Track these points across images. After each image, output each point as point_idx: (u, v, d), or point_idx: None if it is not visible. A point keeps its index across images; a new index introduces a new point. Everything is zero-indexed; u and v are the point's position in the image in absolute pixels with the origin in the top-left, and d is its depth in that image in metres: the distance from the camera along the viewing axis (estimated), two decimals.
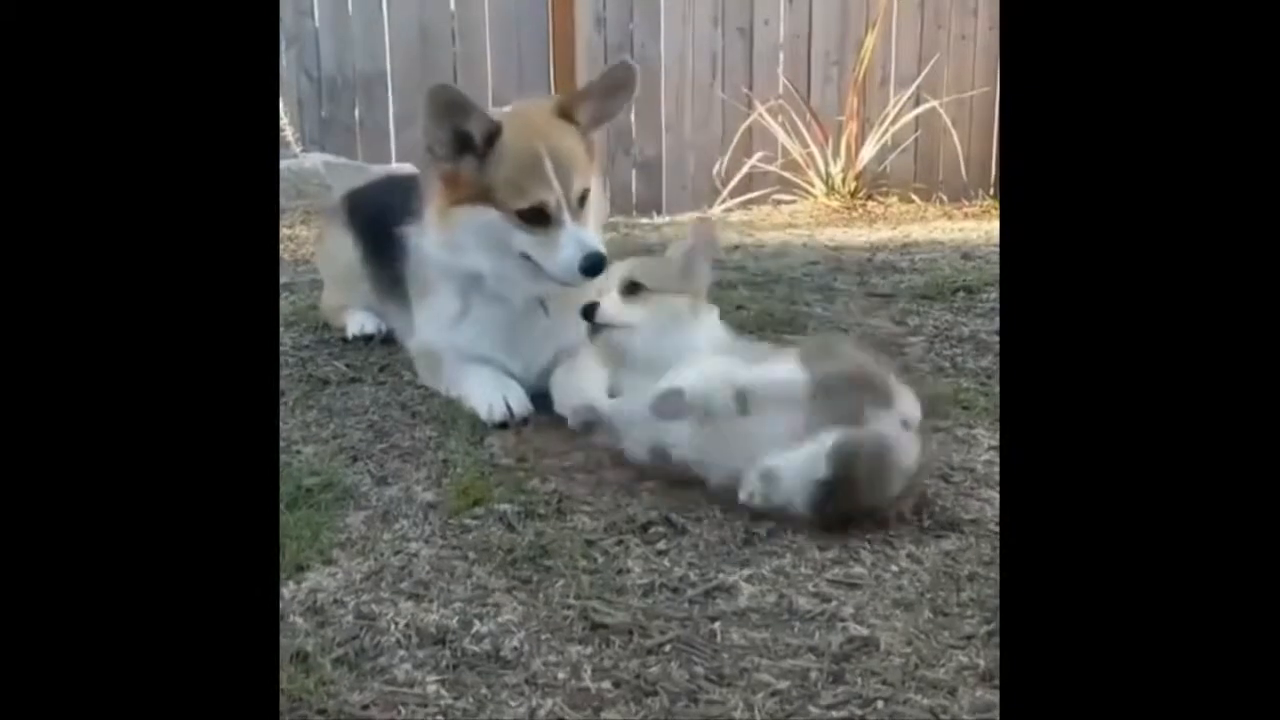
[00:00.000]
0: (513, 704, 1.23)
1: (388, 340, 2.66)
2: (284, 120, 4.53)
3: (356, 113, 4.98)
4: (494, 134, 2.06)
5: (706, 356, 1.79)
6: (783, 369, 1.69)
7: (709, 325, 1.92)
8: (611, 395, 1.88)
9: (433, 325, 2.29)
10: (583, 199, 2.10)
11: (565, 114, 2.14)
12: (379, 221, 2.56)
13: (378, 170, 4.40)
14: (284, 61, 4.66)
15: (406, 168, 4.46)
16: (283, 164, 4.10)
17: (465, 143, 2.06)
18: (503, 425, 2.10)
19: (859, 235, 4.52)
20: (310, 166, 4.38)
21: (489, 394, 2.13)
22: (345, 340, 2.69)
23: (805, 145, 5.39)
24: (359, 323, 2.68)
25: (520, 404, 2.12)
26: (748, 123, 5.44)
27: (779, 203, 5.40)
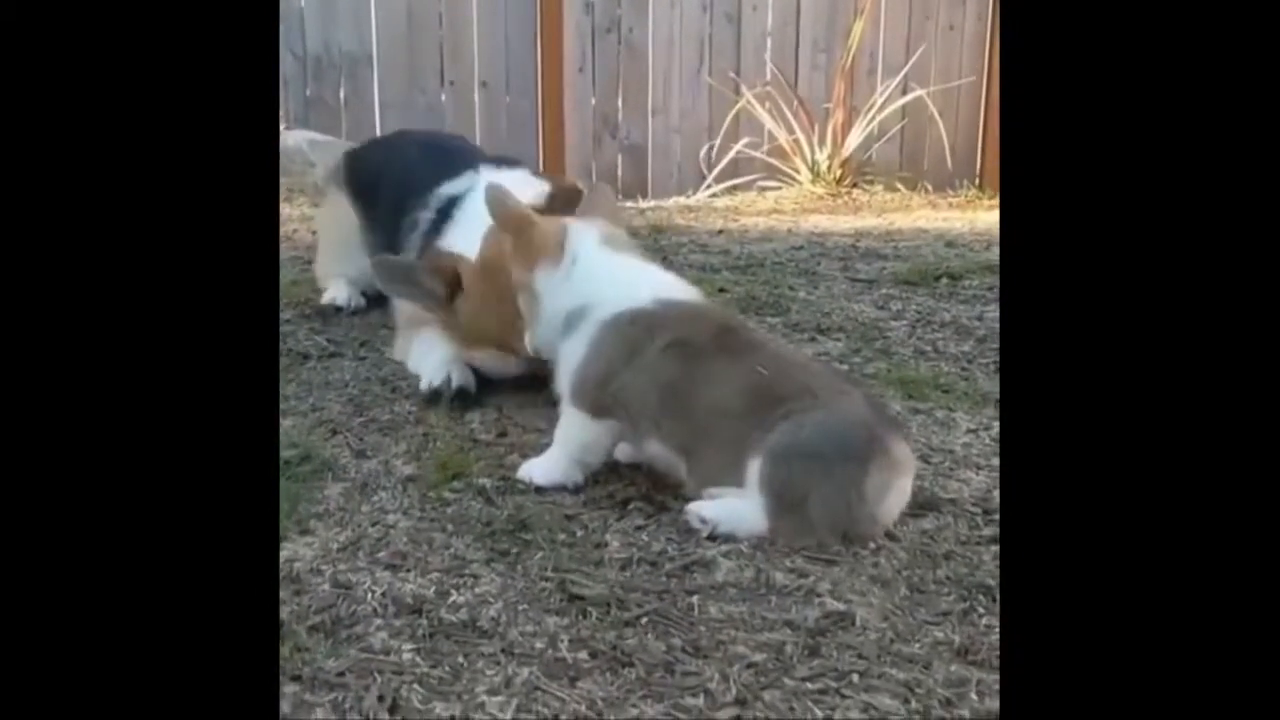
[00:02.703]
0: (489, 673, 1.23)
1: (368, 313, 2.68)
2: None
3: (342, 92, 4.95)
4: (454, 284, 2.04)
5: None
6: None
7: None
8: None
9: None
10: None
11: None
12: (377, 188, 2.58)
13: None
14: None
15: None
16: None
17: (432, 295, 2.04)
18: (434, 396, 2.09)
19: (844, 222, 4.53)
20: (294, 144, 4.34)
21: (434, 364, 2.13)
22: (320, 307, 2.73)
23: (792, 132, 5.38)
24: (331, 294, 2.75)
25: (463, 378, 2.11)
26: (735, 109, 5.43)
27: (764, 189, 5.39)
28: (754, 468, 1.53)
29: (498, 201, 1.77)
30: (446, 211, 2.27)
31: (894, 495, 1.57)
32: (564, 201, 2.05)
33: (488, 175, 2.29)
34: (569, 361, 1.70)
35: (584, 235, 1.75)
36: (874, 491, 1.54)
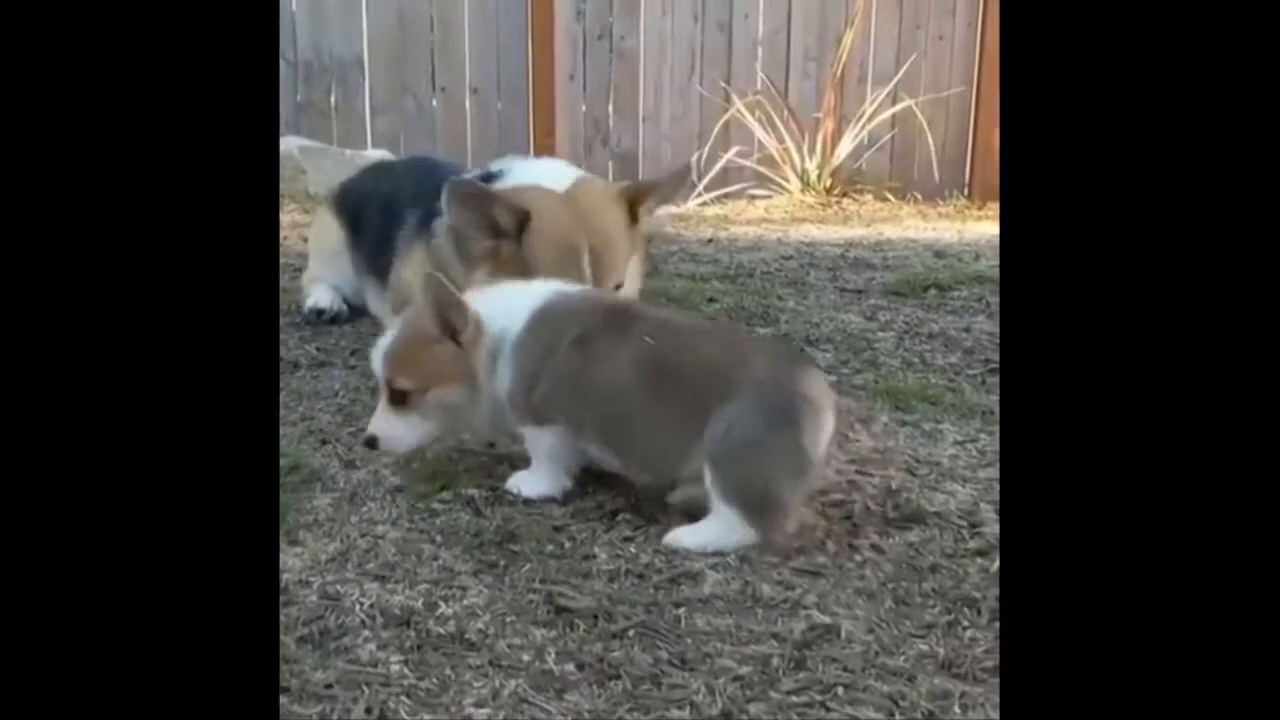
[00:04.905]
0: (476, 685, 1.24)
1: (357, 322, 2.70)
2: None
3: (332, 98, 4.95)
4: (524, 220, 2.11)
5: None
6: None
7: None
8: None
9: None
10: (616, 289, 2.21)
11: (631, 201, 2.18)
12: (365, 208, 2.64)
13: (352, 155, 4.39)
14: None
15: (382, 154, 4.46)
16: None
17: (496, 229, 2.11)
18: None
19: (833, 232, 4.54)
20: (284, 150, 4.34)
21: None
22: (303, 313, 2.76)
23: (782, 141, 5.40)
24: (315, 298, 2.78)
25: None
26: (725, 117, 5.45)
27: (754, 198, 5.41)
28: (711, 485, 1.56)
29: (433, 284, 1.71)
30: (483, 180, 2.31)
31: (825, 432, 1.61)
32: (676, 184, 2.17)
33: (522, 163, 2.39)
34: (504, 388, 1.72)
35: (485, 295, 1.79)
36: (812, 443, 1.58)
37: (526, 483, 1.74)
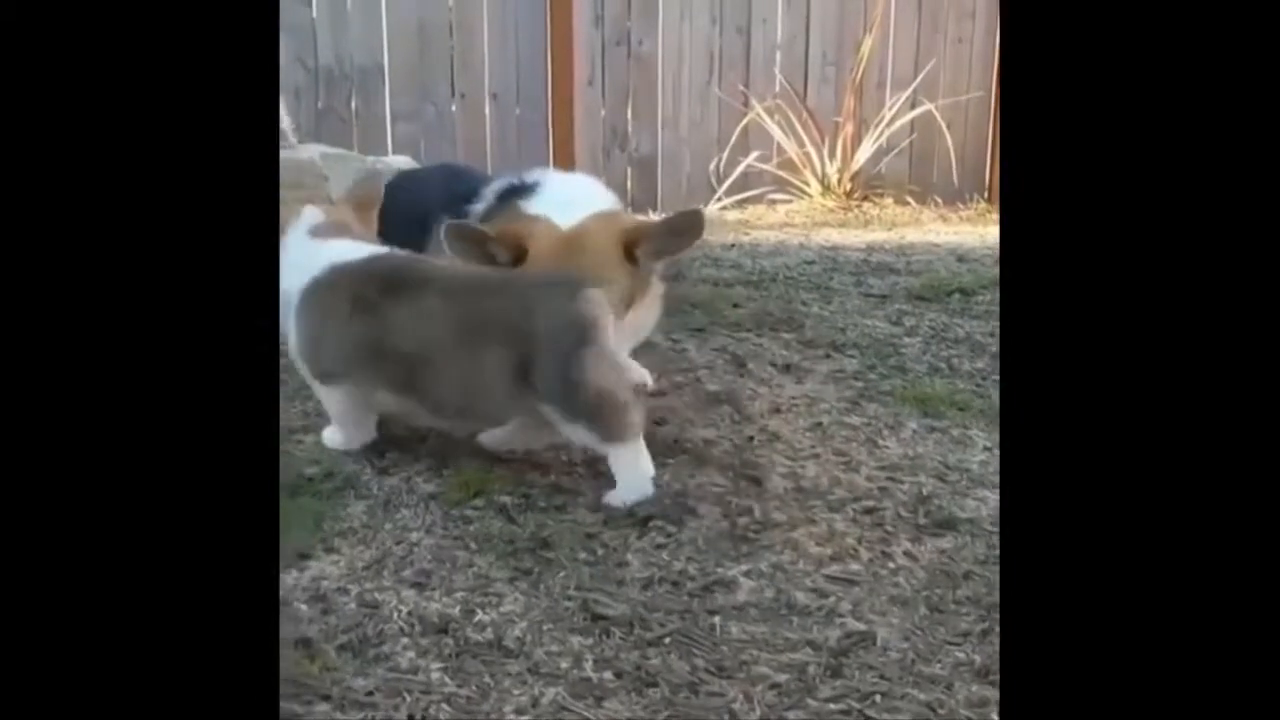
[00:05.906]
0: (515, 692, 1.25)
1: None
2: (280, 111, 4.51)
3: (353, 104, 4.97)
4: (521, 256, 2.11)
5: None
6: None
7: None
8: None
9: None
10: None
11: (628, 245, 2.13)
12: (393, 216, 2.66)
13: (373, 161, 4.40)
14: (280, 51, 4.65)
15: (403, 159, 4.48)
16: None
17: (494, 261, 2.11)
18: None
19: (855, 236, 4.54)
20: (307, 158, 4.36)
21: None
22: None
23: (802, 145, 5.40)
24: None
25: None
26: (744, 122, 5.45)
27: (774, 202, 5.41)
28: (560, 420, 1.72)
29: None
30: (512, 193, 2.32)
31: (612, 336, 1.75)
32: (677, 229, 2.15)
33: (558, 179, 2.38)
34: (292, 344, 1.91)
35: (294, 228, 1.97)
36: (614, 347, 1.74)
37: (330, 435, 1.96)
